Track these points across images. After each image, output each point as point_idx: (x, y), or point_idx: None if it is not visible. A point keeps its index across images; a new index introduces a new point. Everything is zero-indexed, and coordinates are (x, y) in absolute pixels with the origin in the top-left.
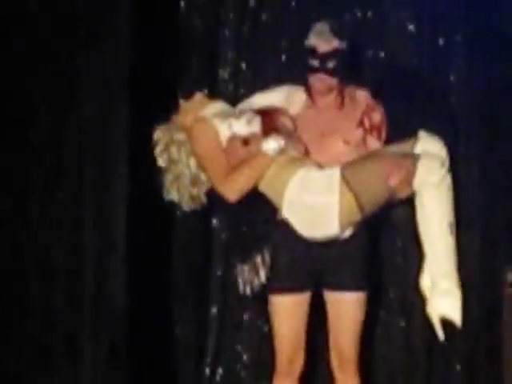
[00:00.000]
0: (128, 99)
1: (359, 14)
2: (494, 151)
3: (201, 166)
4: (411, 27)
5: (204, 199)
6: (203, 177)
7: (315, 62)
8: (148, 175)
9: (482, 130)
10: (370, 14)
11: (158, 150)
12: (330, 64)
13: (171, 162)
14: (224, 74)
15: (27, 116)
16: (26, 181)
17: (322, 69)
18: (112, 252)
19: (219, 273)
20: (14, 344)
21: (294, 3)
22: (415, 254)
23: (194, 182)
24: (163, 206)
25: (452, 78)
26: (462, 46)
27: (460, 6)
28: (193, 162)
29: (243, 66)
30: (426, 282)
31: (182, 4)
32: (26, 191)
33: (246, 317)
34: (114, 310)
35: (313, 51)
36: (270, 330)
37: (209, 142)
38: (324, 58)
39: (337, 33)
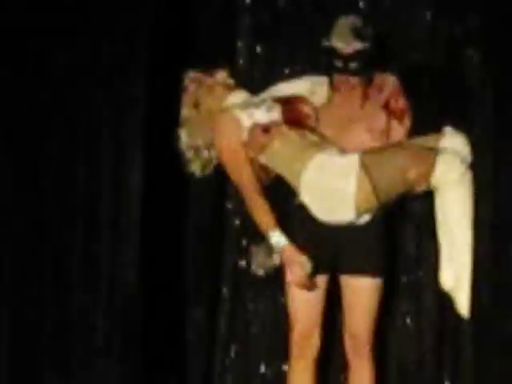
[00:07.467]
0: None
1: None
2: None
3: (219, 159)
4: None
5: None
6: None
7: (338, 63)
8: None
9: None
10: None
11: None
12: (353, 65)
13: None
14: (240, 59)
15: None
16: None
17: (345, 69)
18: (126, 236)
19: (232, 256)
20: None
21: None
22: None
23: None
24: (177, 192)
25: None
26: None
27: None
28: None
29: (258, 49)
30: (447, 278)
31: None
32: None
33: (258, 300)
34: (128, 294)
35: (334, 52)
36: (283, 313)
37: (231, 136)
38: (346, 59)
39: (359, 33)
